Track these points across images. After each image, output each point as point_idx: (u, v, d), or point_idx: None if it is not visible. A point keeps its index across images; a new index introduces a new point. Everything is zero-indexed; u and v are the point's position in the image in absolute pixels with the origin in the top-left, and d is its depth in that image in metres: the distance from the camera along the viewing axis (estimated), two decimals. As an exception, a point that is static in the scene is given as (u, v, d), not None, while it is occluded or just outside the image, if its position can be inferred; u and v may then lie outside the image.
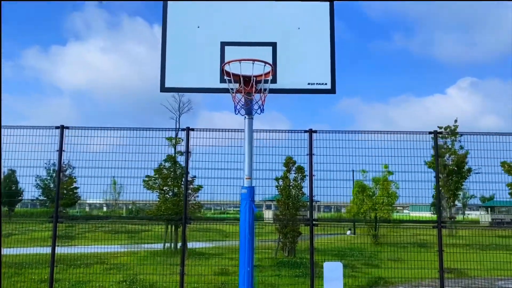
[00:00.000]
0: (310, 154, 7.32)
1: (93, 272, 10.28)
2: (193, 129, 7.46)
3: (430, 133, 7.68)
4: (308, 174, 7.50)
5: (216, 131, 7.45)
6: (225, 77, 4.50)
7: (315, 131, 7.37)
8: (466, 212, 49.44)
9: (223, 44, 4.76)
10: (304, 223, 11.21)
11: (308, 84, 4.74)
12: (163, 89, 4.76)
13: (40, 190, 41.51)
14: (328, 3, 4.88)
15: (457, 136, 20.61)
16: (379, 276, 10.79)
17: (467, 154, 21.19)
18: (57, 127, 7.38)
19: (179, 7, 4.91)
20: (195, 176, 10.61)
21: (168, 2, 4.90)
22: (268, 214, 23.74)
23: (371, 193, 18.45)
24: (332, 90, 4.74)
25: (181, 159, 12.63)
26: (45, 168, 41.78)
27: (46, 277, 9.57)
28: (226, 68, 4.43)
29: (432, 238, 16.35)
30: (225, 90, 4.62)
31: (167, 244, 13.75)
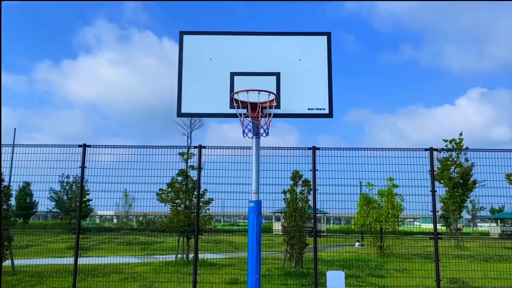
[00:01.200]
0: (314, 169, 7.86)
1: (112, 281, 10.85)
2: (204, 147, 8.06)
3: (426, 150, 8.14)
4: (312, 187, 8.02)
5: (226, 148, 8.04)
6: (234, 104, 5.10)
7: (318, 148, 7.92)
8: (478, 224, 49.08)
9: (233, 74, 5.36)
10: (308, 234, 11.72)
11: (308, 109, 5.31)
12: (179, 114, 5.37)
13: (54, 203, 42.28)
14: (325, 36, 5.49)
15: (459, 151, 21.02)
16: (383, 286, 11.17)
17: (473, 167, 21.50)
18: (79, 146, 8.03)
19: (194, 41, 5.54)
20: (206, 190, 11.22)
21: (184, 36, 5.54)
22: (277, 226, 24.18)
23: (376, 205, 18.85)
24: (329, 115, 5.31)
25: (193, 174, 13.26)
26: (59, 182, 42.51)
27: (66, 285, 10.18)
28: (235, 96, 5.02)
29: (430, 248, 16.67)
30: (234, 115, 5.21)
31: (179, 255, 14.28)
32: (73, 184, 42.14)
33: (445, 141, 24.15)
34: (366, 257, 17.19)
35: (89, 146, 8.01)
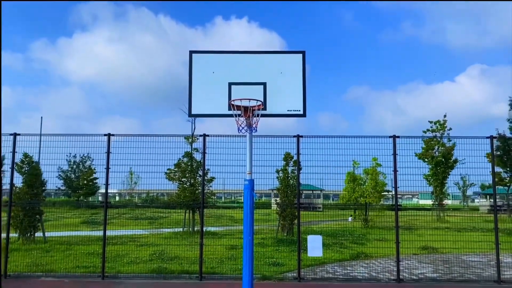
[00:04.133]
0: (298, 153, 9.58)
1: (129, 247, 12.73)
2: (208, 135, 9.76)
3: (390, 137, 9.76)
4: (296, 168, 9.74)
5: (226, 136, 9.73)
6: (231, 108, 6.75)
7: (302, 136, 9.60)
8: (476, 200, 50.97)
9: (230, 84, 6.99)
10: (293, 206, 13.55)
11: (288, 110, 6.96)
12: (190, 115, 7.05)
13: (62, 181, 44.02)
14: (301, 54, 7.12)
15: (423, 137, 22.66)
16: (361, 252, 13.04)
17: (454, 147, 23.22)
18: (105, 135, 9.71)
19: (200, 58, 7.14)
20: (209, 169, 12.99)
21: (193, 54, 7.15)
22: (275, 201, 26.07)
23: (362, 182, 20.64)
24: (303, 115, 6.97)
25: (196, 156, 15.04)
26: (67, 160, 44.10)
27: (92, 251, 12.05)
28: (232, 102, 6.67)
29: (417, 223, 18.70)
30: (231, 115, 6.87)
31: (184, 228, 16.17)
32: (80, 163, 44.03)
33: (430, 122, 25.88)
34: (351, 228, 19.14)
35: (113, 135, 9.68)
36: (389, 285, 8.86)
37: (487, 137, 9.75)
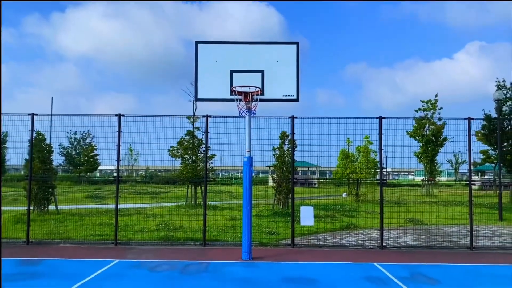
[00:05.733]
0: (292, 133, 10.48)
1: (136, 218, 13.75)
2: (210, 116, 10.63)
3: (376, 118, 10.62)
4: (291, 146, 10.65)
5: (227, 117, 10.60)
6: (233, 93, 7.62)
7: (296, 117, 10.47)
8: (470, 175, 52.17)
9: (232, 71, 7.85)
10: (289, 181, 14.55)
11: (283, 95, 7.84)
12: (197, 99, 7.92)
13: (63, 158, 44.87)
14: (295, 45, 7.95)
15: (407, 118, 23.51)
16: (351, 223, 14.11)
17: (444, 126, 24.13)
18: (116, 115, 10.56)
19: (205, 48, 7.96)
20: (209, 147, 13.91)
21: (198, 45, 7.97)
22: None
23: (354, 159, 21.63)
24: (297, 99, 7.86)
25: (198, 134, 15.95)
26: (67, 137, 44.83)
27: (102, 221, 13.07)
28: (233, 88, 7.54)
29: (407, 197, 19.83)
30: (233, 100, 7.74)
31: (186, 203, 17.18)
32: (81, 140, 44.85)
33: (422, 101, 26.73)
34: (344, 202, 20.26)
35: (123, 115, 10.54)
36: (372, 251, 9.92)
37: (465, 119, 10.63)
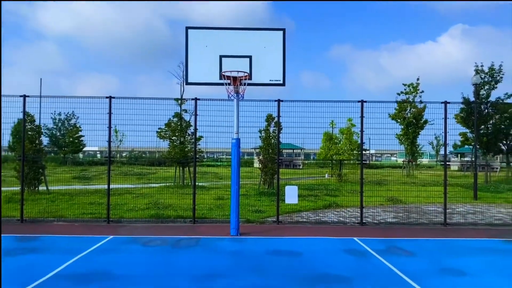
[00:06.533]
0: (278, 116, 10.90)
1: (126, 198, 14.13)
2: (199, 99, 10.97)
3: (358, 101, 11.11)
4: (277, 129, 11.09)
5: (216, 100, 10.96)
6: (222, 77, 7.99)
7: (282, 101, 10.89)
8: (452, 159, 53.48)
9: (221, 56, 8.20)
10: (273, 162, 15.07)
11: (270, 80, 8.25)
12: (187, 83, 8.28)
13: (48, 139, 44.58)
14: (281, 31, 8.33)
15: (388, 102, 24.24)
16: (333, 202, 14.73)
17: (425, 109, 24.88)
18: (106, 97, 10.83)
19: (195, 33, 8.27)
20: (197, 129, 14.27)
21: (189, 30, 8.28)
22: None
23: (338, 141, 22.25)
24: (283, 84, 8.29)
25: (186, 116, 16.26)
26: (52, 118, 44.43)
27: (93, 201, 13.42)
28: (223, 73, 7.91)
29: (388, 178, 20.54)
30: (222, 84, 8.12)
31: (174, 184, 17.59)
32: (65, 121, 44.58)
33: (404, 85, 27.39)
34: (327, 182, 20.94)
35: (114, 97, 10.81)
36: (353, 227, 10.53)
37: (442, 102, 11.18)
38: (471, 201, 16.51)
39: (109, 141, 10.84)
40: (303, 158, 42.27)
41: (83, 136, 36.02)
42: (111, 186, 13.48)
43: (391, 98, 27.94)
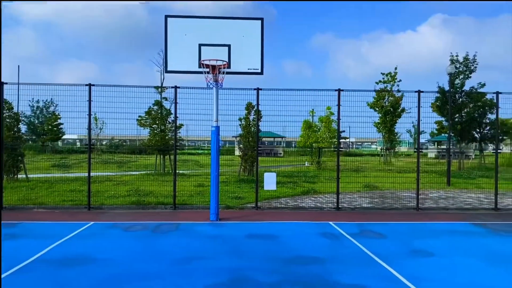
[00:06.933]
0: (257, 104, 11.10)
1: (107, 185, 14.19)
2: (179, 87, 11.07)
3: (335, 90, 11.37)
4: (256, 117, 11.29)
5: (195, 88, 11.08)
6: (201, 66, 8.12)
7: (261, 89, 11.08)
8: (430, 147, 54.60)
9: (200, 45, 8.32)
10: (253, 150, 15.32)
11: (248, 69, 8.43)
12: (167, 71, 8.39)
13: (26, 126, 43.76)
14: (260, 21, 8.50)
15: (366, 91, 24.73)
16: (312, 188, 15.09)
17: (402, 97, 25.41)
18: (86, 85, 10.82)
19: (174, 22, 8.36)
20: (177, 117, 14.37)
21: (168, 18, 8.37)
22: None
23: (317, 129, 22.61)
24: (261, 73, 8.48)
25: (166, 104, 16.31)
26: (29, 106, 43.64)
27: (73, 188, 13.45)
28: (202, 62, 8.04)
29: (365, 165, 21.00)
30: (201, 72, 8.25)
31: (155, 172, 17.67)
32: (44, 108, 43.80)
33: (382, 74, 27.90)
34: (306, 170, 21.32)
35: (93, 85, 10.82)
36: (329, 212, 10.88)
37: (416, 91, 11.55)
38: (444, 187, 17.11)
39: (89, 129, 10.88)
40: (284, 146, 42.69)
41: (62, 124, 35.58)
42: (92, 174, 13.58)
43: (371, 87, 28.33)
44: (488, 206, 12.01)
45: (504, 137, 29.83)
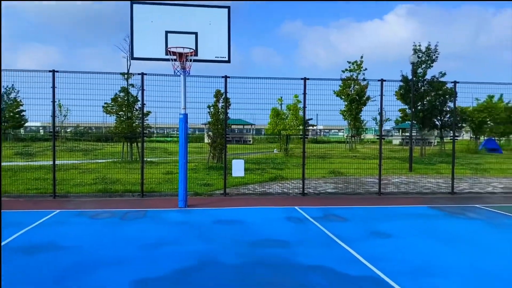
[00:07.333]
0: (225, 92, 11.19)
1: (72, 174, 13.99)
2: (146, 74, 11.00)
3: (301, 79, 11.59)
4: (224, 105, 11.37)
5: (163, 75, 11.03)
6: (168, 53, 8.12)
7: (229, 77, 11.16)
8: (395, 134, 55.98)
9: (167, 32, 8.31)
10: (222, 137, 15.43)
11: (215, 57, 8.49)
12: (133, 58, 8.34)
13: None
14: (226, 9, 8.55)
15: (332, 80, 25.27)
16: (279, 175, 15.39)
17: (367, 86, 26.01)
18: (50, 71, 10.59)
19: (140, 8, 8.30)
20: (145, 104, 14.25)
21: (134, 5, 8.29)
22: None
23: (285, 117, 22.91)
24: (228, 61, 8.56)
25: (132, 91, 16.11)
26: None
27: (37, 177, 13.19)
28: (169, 49, 8.04)
29: (332, 152, 21.46)
30: (168, 60, 8.25)
31: (122, 160, 17.50)
32: (4, 95, 42.18)
33: (349, 62, 28.45)
34: (276, 157, 21.63)
35: (57, 71, 10.59)
36: (295, 198, 11.18)
37: (378, 80, 11.91)
38: (406, 172, 17.79)
39: (53, 116, 10.69)
40: (253, 133, 42.92)
41: (24, 111, 34.46)
42: (57, 162, 13.36)
43: (339, 76, 28.81)
44: (446, 190, 12.63)
45: (463, 125, 31.11)
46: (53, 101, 10.58)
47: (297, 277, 4.99)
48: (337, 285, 4.74)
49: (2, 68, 10.54)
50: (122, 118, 16.76)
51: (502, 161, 22.47)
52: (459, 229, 7.73)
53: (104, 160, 18.50)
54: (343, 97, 26.51)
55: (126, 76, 15.60)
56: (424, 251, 6.19)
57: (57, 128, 11.13)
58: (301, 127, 22.67)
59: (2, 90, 40.57)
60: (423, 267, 5.40)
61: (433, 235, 7.20)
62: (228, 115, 13.41)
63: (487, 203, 10.62)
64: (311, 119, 23.46)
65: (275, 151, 25.08)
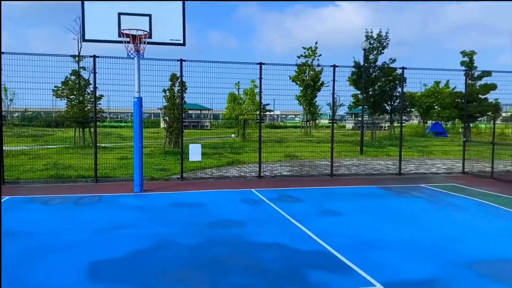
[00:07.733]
0: (181, 76, 11.13)
1: (21, 160, 13.48)
2: (98, 56, 10.72)
3: (257, 64, 11.71)
4: (180, 89, 11.32)
5: (115, 58, 10.79)
6: (121, 35, 8.00)
7: (184, 60, 11.09)
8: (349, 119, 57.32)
9: (120, 14, 8.16)
10: (178, 122, 15.38)
11: (170, 40, 8.45)
12: (84, 40, 8.13)
13: None
14: (182, -7, 8.51)
15: (287, 65, 25.76)
16: (236, 159, 15.58)
17: (322, 71, 26.53)
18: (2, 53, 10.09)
19: (91, -12, 8.09)
20: (97, 87, 13.88)
21: (84, -16, 8.07)
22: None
23: (242, 102, 23.04)
24: (183, 44, 8.54)
25: (84, 74, 15.62)
26: None
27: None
28: (122, 31, 7.91)
29: (288, 136, 21.84)
30: (121, 42, 8.12)
31: (74, 145, 17.03)
32: None
33: (304, 48, 28.87)
34: (233, 142, 21.80)
35: (4, 53, 10.11)
36: (252, 181, 11.41)
37: (331, 66, 12.26)
38: (357, 155, 18.48)
39: (0, 100, 10.25)
40: (211, 118, 42.77)
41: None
42: (4, 148, 12.84)
43: (295, 61, 29.16)
44: (394, 171, 13.30)
45: (412, 109, 32.51)
46: (0, 85, 10.14)
47: (252, 254, 5.20)
48: (289, 260, 4.99)
49: None
50: (73, 102, 16.25)
51: (446, 144, 23.81)
52: (404, 207, 8.23)
53: (55, 146, 17.91)
54: (298, 82, 26.93)
55: (77, 58, 15.09)
56: (370, 228, 6.58)
57: (3, 113, 10.68)
58: (257, 112, 22.88)
59: None
60: (368, 242, 5.77)
61: (379, 213, 7.64)
62: (185, 99, 13.39)
63: (431, 183, 11.31)
64: (268, 104, 23.74)
65: (232, 136, 25.19)
